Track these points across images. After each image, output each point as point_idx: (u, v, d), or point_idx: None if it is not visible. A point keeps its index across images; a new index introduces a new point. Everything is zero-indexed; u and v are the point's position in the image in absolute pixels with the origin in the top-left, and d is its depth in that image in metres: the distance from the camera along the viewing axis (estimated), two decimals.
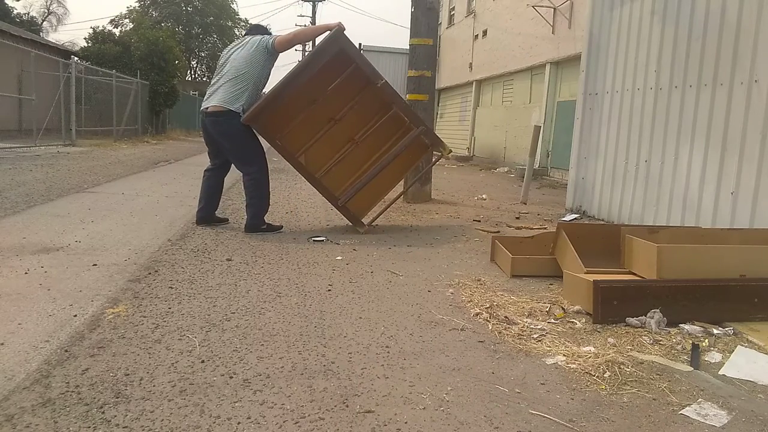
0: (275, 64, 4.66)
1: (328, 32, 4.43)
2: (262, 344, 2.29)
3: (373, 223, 4.87)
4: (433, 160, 5.73)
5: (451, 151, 5.23)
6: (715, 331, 2.62)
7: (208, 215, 4.74)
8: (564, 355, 2.30)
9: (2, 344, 2.16)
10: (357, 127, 4.72)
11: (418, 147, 4.93)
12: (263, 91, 4.65)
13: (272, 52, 4.48)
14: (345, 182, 4.72)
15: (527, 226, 5.39)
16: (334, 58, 4.38)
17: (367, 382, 2.00)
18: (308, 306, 2.81)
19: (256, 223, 4.54)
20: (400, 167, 4.97)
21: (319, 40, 4.66)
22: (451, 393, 1.95)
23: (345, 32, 4.43)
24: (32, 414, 1.69)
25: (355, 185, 4.64)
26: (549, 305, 2.93)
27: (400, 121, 4.78)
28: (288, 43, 4.48)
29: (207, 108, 4.46)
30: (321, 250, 4.07)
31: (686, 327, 2.65)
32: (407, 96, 6.92)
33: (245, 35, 4.80)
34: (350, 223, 4.79)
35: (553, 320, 2.74)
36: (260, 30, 4.81)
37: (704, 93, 4.58)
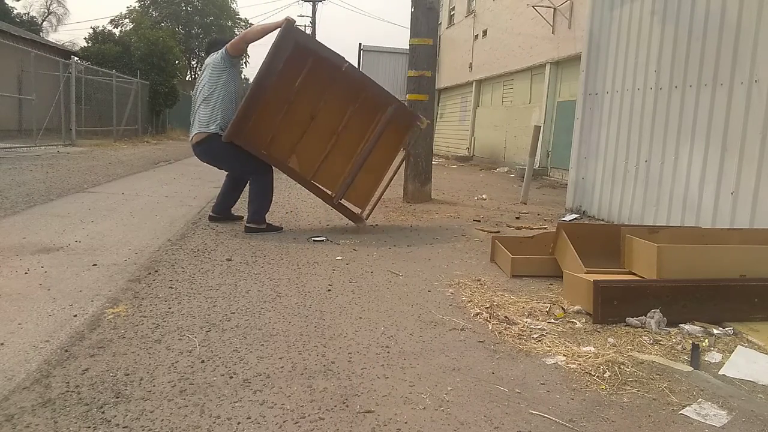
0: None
1: (279, 29, 4.28)
2: (262, 344, 2.29)
3: (373, 224, 4.86)
4: (412, 137, 5.27)
5: (428, 122, 4.99)
6: (715, 331, 2.63)
7: (219, 211, 4.89)
8: (564, 355, 2.30)
9: (2, 344, 2.16)
10: (337, 118, 4.57)
11: (399, 124, 4.74)
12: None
13: (229, 61, 4.48)
14: (338, 178, 4.63)
15: (527, 226, 5.39)
16: (295, 54, 4.26)
17: (367, 382, 2.00)
18: (308, 306, 2.81)
19: (257, 220, 4.55)
20: (389, 149, 4.79)
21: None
22: (451, 393, 1.95)
23: (295, 25, 4.33)
24: (32, 414, 1.69)
25: (346, 179, 4.58)
26: (549, 305, 2.93)
27: (377, 103, 4.62)
28: (240, 42, 4.48)
29: (192, 140, 4.55)
30: (321, 250, 4.07)
31: (686, 327, 2.65)
32: (407, 96, 6.92)
33: (206, 55, 4.85)
34: (350, 222, 4.79)
35: (553, 320, 2.74)
36: (218, 44, 4.71)
37: (704, 93, 4.58)
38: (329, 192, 4.64)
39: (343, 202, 4.68)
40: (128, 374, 1.97)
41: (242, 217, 4.93)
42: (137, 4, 37.86)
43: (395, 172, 5.06)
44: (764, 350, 2.46)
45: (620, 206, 5.60)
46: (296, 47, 4.26)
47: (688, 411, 1.89)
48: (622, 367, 2.21)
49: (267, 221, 4.63)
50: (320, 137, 4.57)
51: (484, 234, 4.86)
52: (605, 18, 6.01)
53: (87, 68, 17.04)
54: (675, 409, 1.91)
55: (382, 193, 5.02)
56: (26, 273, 3.11)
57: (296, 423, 1.71)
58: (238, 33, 38.30)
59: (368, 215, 4.84)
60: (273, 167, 4.65)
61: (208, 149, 4.48)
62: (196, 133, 4.46)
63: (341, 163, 4.63)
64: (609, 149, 5.83)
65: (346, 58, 4.44)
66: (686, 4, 4.81)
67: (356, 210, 4.78)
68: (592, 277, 2.85)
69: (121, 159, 11.05)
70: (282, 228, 4.71)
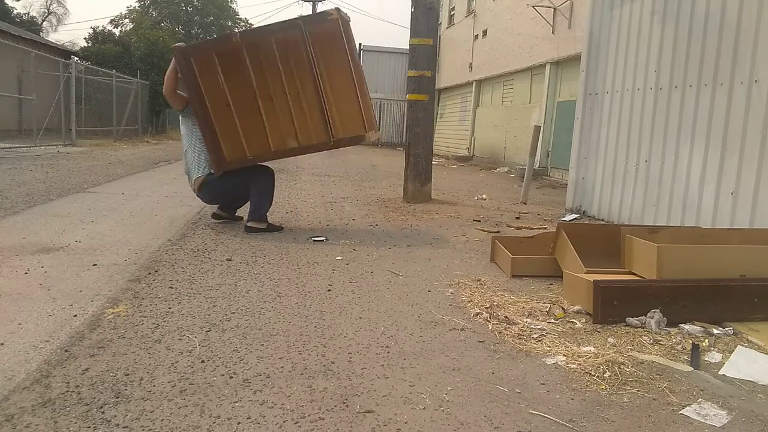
0: None
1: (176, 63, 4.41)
2: (262, 344, 2.29)
3: (373, 224, 4.84)
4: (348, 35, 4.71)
5: (348, 17, 4.61)
6: (715, 331, 2.63)
7: (227, 210, 4.94)
8: (564, 355, 2.30)
9: (2, 344, 2.16)
10: (277, 80, 4.48)
11: (322, 36, 4.47)
12: None
13: (184, 113, 4.64)
14: (318, 123, 4.53)
15: (527, 226, 5.39)
16: (200, 66, 4.33)
17: (367, 382, 2.00)
18: (308, 306, 2.81)
19: (258, 219, 4.57)
20: (336, 65, 4.55)
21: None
22: (451, 393, 1.95)
23: (180, 47, 4.42)
24: (32, 414, 1.69)
25: (325, 118, 4.50)
26: (549, 305, 2.93)
27: (289, 37, 4.47)
28: (169, 100, 4.67)
29: (194, 187, 4.67)
30: (321, 250, 4.07)
31: (686, 327, 2.65)
32: (407, 96, 6.92)
33: None
34: (350, 222, 4.77)
35: (553, 320, 2.74)
36: None
37: (704, 93, 4.58)
38: (323, 140, 4.57)
39: (339, 135, 4.57)
40: (128, 374, 1.97)
41: (242, 218, 4.94)
42: (137, 4, 37.81)
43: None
44: (764, 350, 2.46)
45: (620, 206, 5.60)
46: (196, 60, 4.33)
47: (688, 411, 1.89)
48: (622, 367, 2.21)
49: (268, 221, 4.64)
50: (280, 106, 4.50)
51: (484, 234, 4.86)
52: (605, 18, 6.01)
53: (87, 68, 17.06)
54: (675, 409, 1.91)
55: (366, 103, 4.73)
56: (26, 273, 3.11)
57: (296, 423, 1.71)
58: None
59: (369, 129, 4.63)
60: (271, 172, 4.68)
61: (209, 190, 4.62)
62: (195, 179, 4.61)
63: (312, 110, 4.52)
64: (609, 149, 5.83)
65: (233, 31, 4.46)
66: (686, 4, 4.81)
67: (355, 133, 4.64)
68: (592, 277, 2.85)
69: (121, 159, 11.05)
70: (282, 228, 4.72)
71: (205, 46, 4.50)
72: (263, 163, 4.70)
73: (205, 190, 4.61)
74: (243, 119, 4.44)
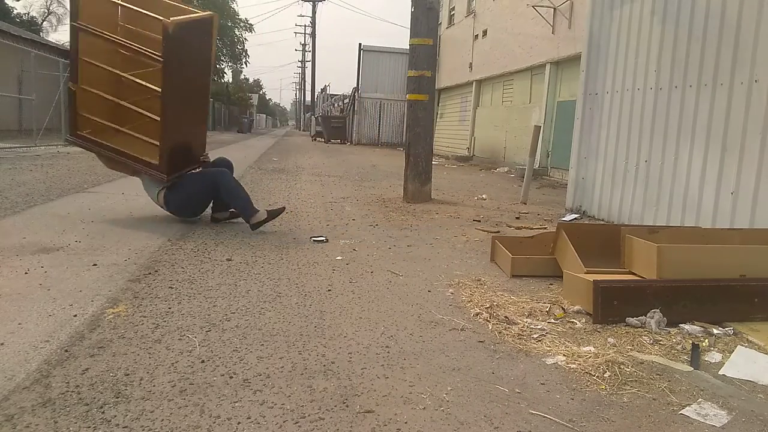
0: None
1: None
2: (262, 344, 2.29)
3: (374, 224, 4.82)
4: None
5: None
6: (715, 331, 2.63)
7: (223, 210, 4.97)
8: (564, 355, 2.30)
9: (2, 344, 2.16)
10: (110, 74, 4.71)
11: (88, 3, 4.57)
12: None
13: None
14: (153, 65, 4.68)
15: (527, 226, 5.39)
16: (88, 129, 4.67)
17: (367, 382, 2.00)
18: (308, 306, 2.81)
19: (251, 213, 4.56)
20: (107, 13, 4.75)
21: None
22: (451, 393, 1.95)
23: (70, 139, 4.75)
24: (32, 414, 1.69)
25: (147, 56, 4.61)
26: (549, 305, 2.93)
27: (107, 13, 4.70)
28: (118, 170, 5.00)
29: (158, 202, 4.84)
30: (321, 250, 4.07)
31: (686, 327, 2.65)
32: (407, 96, 6.93)
33: None
34: (350, 222, 4.77)
35: (553, 320, 2.74)
36: None
37: (704, 93, 4.58)
38: (160, 73, 4.52)
39: (161, 49, 4.49)
40: (128, 374, 1.97)
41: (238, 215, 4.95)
42: None
43: None
44: (764, 350, 2.46)
45: (620, 206, 5.60)
46: (83, 130, 4.65)
47: (688, 411, 1.89)
48: (622, 367, 2.21)
49: (261, 210, 4.62)
50: (131, 86, 4.69)
51: (484, 234, 4.86)
52: (605, 18, 6.01)
53: None
54: (675, 409, 1.91)
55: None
56: (26, 273, 3.11)
57: (296, 423, 1.71)
58: (238, 33, 38.17)
59: (173, 16, 4.54)
60: (226, 165, 4.93)
61: (172, 199, 4.72)
62: (157, 194, 4.75)
63: (140, 59, 4.61)
64: (609, 149, 5.83)
65: (69, 83, 4.65)
66: (686, 4, 4.81)
67: (162, 34, 4.50)
68: (592, 277, 2.85)
69: None
70: (284, 208, 4.84)
71: (72, 113, 4.72)
72: (215, 173, 4.77)
73: (170, 200, 4.72)
74: (136, 126, 4.65)
